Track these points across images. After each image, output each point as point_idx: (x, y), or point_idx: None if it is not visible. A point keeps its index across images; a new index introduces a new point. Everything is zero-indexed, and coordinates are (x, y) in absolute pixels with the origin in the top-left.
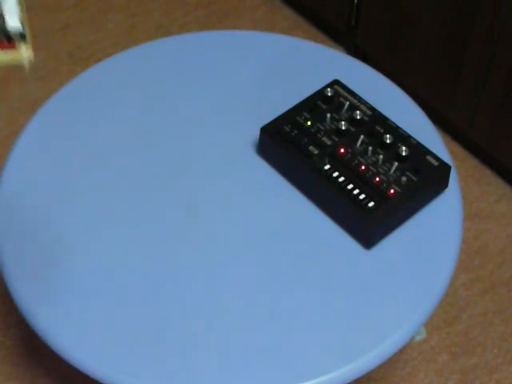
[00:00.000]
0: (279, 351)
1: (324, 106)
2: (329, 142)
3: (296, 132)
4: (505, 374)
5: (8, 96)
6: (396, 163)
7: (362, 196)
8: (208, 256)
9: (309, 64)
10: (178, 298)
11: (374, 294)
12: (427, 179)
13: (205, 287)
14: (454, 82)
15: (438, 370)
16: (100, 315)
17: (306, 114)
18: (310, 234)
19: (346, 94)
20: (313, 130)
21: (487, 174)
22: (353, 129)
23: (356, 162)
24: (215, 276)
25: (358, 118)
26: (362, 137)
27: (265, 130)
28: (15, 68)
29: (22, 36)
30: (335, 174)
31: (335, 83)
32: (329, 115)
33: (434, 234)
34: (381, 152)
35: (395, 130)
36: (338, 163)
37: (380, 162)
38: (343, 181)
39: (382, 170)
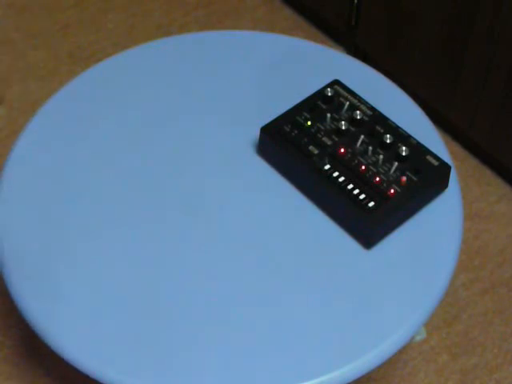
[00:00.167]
0: (279, 351)
1: (324, 106)
2: (329, 142)
3: (296, 132)
4: (505, 374)
5: (8, 96)
6: (396, 163)
7: (362, 196)
8: (208, 256)
9: (309, 64)
10: (178, 297)
11: (374, 294)
12: (427, 179)
13: (205, 287)
14: (454, 82)
15: (438, 370)
16: (100, 315)
17: (306, 114)
18: (310, 233)
19: (346, 93)
20: (313, 130)
21: (487, 174)
22: (353, 129)
23: (356, 161)
24: (215, 276)
25: (358, 117)
26: (362, 137)
27: (265, 129)
28: (15, 68)
29: None
30: (335, 174)
31: (335, 83)
32: (329, 115)
33: (434, 234)
34: (381, 152)
35: (395, 130)
36: (338, 163)
37: (380, 161)
38: (343, 181)
39: (382, 170)
